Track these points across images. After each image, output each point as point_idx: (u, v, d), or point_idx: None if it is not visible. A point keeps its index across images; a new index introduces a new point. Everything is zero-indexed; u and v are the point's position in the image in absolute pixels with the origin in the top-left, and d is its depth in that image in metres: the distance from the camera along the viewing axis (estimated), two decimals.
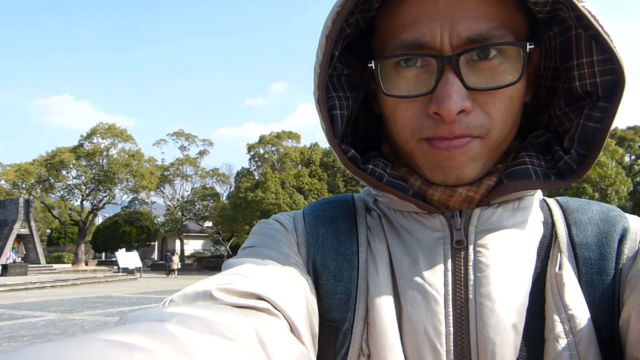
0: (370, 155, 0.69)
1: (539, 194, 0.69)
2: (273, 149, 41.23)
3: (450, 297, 0.60)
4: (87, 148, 40.64)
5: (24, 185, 39.43)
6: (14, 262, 32.69)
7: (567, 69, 0.62)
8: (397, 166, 0.68)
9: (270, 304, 0.52)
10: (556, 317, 0.57)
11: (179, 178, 46.75)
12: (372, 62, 0.60)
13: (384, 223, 0.68)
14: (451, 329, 0.58)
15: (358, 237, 0.68)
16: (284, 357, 0.46)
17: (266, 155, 41.11)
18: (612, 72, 0.57)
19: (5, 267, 29.74)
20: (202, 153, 47.90)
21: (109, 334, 0.33)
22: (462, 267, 0.61)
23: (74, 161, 39.59)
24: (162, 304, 0.51)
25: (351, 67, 0.67)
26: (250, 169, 41.86)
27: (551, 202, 0.70)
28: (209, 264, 40.98)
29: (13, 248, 34.58)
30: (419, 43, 0.57)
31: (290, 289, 0.56)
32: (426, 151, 0.61)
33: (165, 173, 46.05)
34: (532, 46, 0.57)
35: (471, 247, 0.61)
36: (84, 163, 40.57)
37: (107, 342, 0.31)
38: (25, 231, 35.33)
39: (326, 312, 0.63)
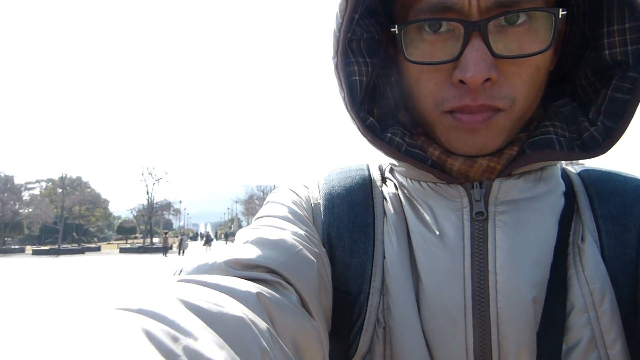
0: (387, 124, 0.66)
1: (560, 164, 0.67)
2: None
3: (469, 270, 0.58)
4: None
5: None
6: None
7: (595, 37, 0.59)
8: (415, 135, 0.65)
9: (282, 277, 0.51)
10: (578, 291, 0.56)
11: None
12: (395, 26, 0.57)
13: (401, 194, 0.67)
14: (470, 302, 0.57)
15: (374, 209, 0.66)
16: (293, 330, 0.46)
17: None
18: None
19: None
20: None
21: (120, 303, 0.33)
22: (482, 240, 0.59)
23: None
24: (174, 274, 0.51)
25: (370, 32, 0.64)
26: None
27: (571, 172, 0.67)
28: None
29: None
30: (446, 5, 0.54)
31: (303, 262, 0.55)
32: (449, 124, 0.58)
33: None
34: (565, 12, 0.54)
35: (491, 219, 0.59)
36: None
37: (118, 312, 0.31)
38: None
39: (341, 284, 0.62)
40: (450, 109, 0.57)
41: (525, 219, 0.59)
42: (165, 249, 35.90)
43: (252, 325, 0.38)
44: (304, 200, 0.69)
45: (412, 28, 0.57)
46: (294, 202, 0.68)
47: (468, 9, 0.54)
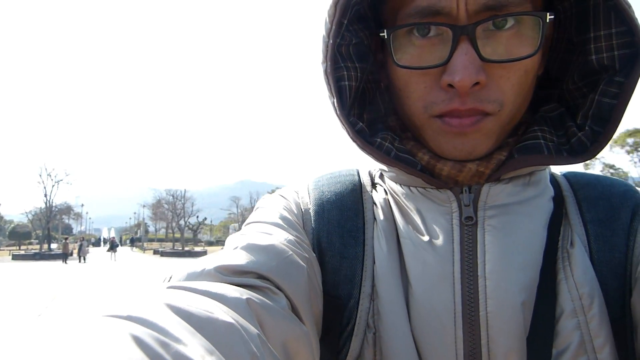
0: (376, 128, 0.67)
1: (548, 169, 0.68)
2: None
3: (458, 275, 0.58)
4: None
5: None
6: None
7: (582, 42, 0.60)
8: (404, 140, 0.66)
9: (272, 282, 0.51)
10: (567, 295, 0.56)
11: None
12: (384, 31, 0.57)
13: (391, 198, 0.67)
14: (460, 306, 0.57)
15: (364, 214, 0.66)
16: (283, 336, 0.46)
17: None
18: (631, 45, 0.55)
19: None
20: None
21: (109, 310, 0.33)
22: (471, 244, 0.59)
23: None
24: (163, 281, 0.51)
25: (359, 37, 0.64)
26: None
27: (559, 177, 0.68)
28: None
29: None
30: (435, 9, 0.54)
31: (292, 267, 0.55)
32: (438, 128, 0.59)
33: None
34: (552, 16, 0.54)
35: (480, 224, 0.60)
36: None
37: (107, 319, 0.31)
38: None
39: (331, 289, 0.62)
40: (439, 113, 0.58)
41: (514, 223, 0.60)
42: (65, 256, 33.67)
43: (242, 331, 0.38)
44: (294, 205, 0.69)
45: (401, 32, 0.57)
46: (284, 208, 0.68)
47: (456, 13, 0.54)
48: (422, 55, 0.57)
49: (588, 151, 0.59)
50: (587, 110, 0.60)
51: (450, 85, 0.55)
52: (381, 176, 0.71)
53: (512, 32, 0.55)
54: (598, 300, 0.56)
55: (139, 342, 0.28)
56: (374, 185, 0.71)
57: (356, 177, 0.72)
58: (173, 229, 60.07)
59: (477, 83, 0.54)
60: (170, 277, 0.51)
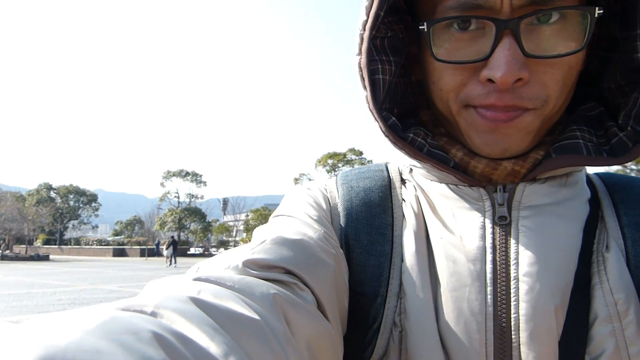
0: (408, 123, 0.65)
1: (584, 170, 0.65)
2: None
3: (490, 276, 0.57)
4: None
5: None
6: None
7: (627, 39, 0.57)
8: (436, 135, 0.65)
9: (299, 278, 0.50)
10: (602, 300, 0.54)
11: None
12: (424, 24, 0.55)
13: (420, 195, 0.65)
14: (490, 308, 0.56)
15: (393, 210, 0.65)
16: (308, 333, 0.45)
17: None
18: None
19: None
20: None
21: (130, 303, 0.33)
22: (504, 245, 0.58)
23: None
24: (191, 273, 0.49)
25: (393, 30, 0.63)
26: None
27: (594, 178, 0.66)
28: None
29: None
30: (477, 3, 0.52)
31: (320, 263, 0.53)
32: (471, 118, 0.57)
33: None
34: (601, 12, 0.52)
35: (514, 224, 0.58)
36: None
37: (126, 312, 0.31)
38: None
39: (357, 286, 0.61)
40: (473, 105, 0.57)
41: (549, 224, 0.58)
42: None
43: (267, 328, 0.38)
44: (323, 200, 0.68)
45: (440, 26, 0.56)
46: (313, 202, 0.67)
47: (500, 7, 0.52)
48: (461, 49, 0.55)
49: (630, 152, 0.57)
50: (629, 110, 0.58)
51: (490, 80, 0.53)
52: (410, 171, 0.70)
53: (556, 27, 0.53)
54: (635, 306, 0.54)
55: (161, 340, 0.28)
56: (402, 181, 0.70)
57: (385, 173, 0.71)
58: None
59: (519, 79, 0.53)
60: (198, 270, 0.49)
